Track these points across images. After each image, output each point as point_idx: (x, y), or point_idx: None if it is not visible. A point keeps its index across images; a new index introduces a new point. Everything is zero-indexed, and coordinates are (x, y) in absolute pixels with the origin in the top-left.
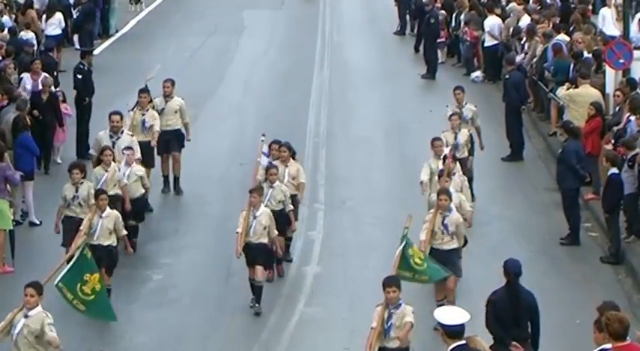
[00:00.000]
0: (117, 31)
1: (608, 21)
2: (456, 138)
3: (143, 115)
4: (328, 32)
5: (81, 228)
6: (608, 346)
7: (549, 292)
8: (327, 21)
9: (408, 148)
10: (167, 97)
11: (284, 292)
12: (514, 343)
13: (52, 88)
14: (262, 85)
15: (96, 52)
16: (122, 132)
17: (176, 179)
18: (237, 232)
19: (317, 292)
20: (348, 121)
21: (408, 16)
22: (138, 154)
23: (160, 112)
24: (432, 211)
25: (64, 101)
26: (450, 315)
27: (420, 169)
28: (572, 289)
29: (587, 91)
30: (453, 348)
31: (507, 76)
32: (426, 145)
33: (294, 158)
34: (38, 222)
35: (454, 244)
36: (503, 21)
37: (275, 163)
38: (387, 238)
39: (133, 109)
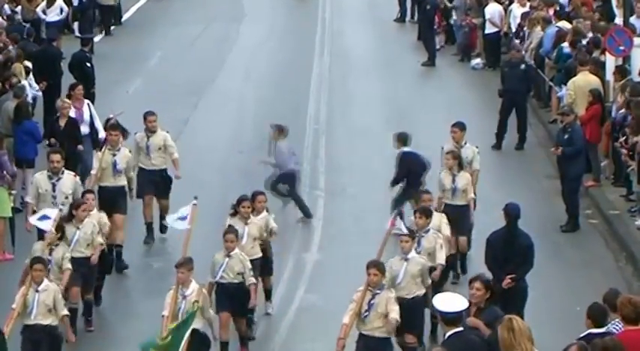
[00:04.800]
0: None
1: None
2: (453, 181)
3: (114, 155)
4: (328, 20)
5: (13, 306)
6: (595, 330)
7: (550, 278)
8: (327, 8)
9: None
10: (151, 132)
11: (284, 279)
12: (508, 277)
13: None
14: (262, 72)
15: (95, 39)
16: (63, 172)
17: (162, 214)
18: (162, 316)
19: (317, 279)
20: (348, 108)
21: (408, 3)
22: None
23: (144, 151)
24: (360, 288)
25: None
26: (447, 302)
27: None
28: (573, 276)
29: (587, 78)
30: (450, 335)
31: (523, 67)
32: (426, 133)
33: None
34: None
35: (384, 332)
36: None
37: (231, 221)
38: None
39: (101, 149)
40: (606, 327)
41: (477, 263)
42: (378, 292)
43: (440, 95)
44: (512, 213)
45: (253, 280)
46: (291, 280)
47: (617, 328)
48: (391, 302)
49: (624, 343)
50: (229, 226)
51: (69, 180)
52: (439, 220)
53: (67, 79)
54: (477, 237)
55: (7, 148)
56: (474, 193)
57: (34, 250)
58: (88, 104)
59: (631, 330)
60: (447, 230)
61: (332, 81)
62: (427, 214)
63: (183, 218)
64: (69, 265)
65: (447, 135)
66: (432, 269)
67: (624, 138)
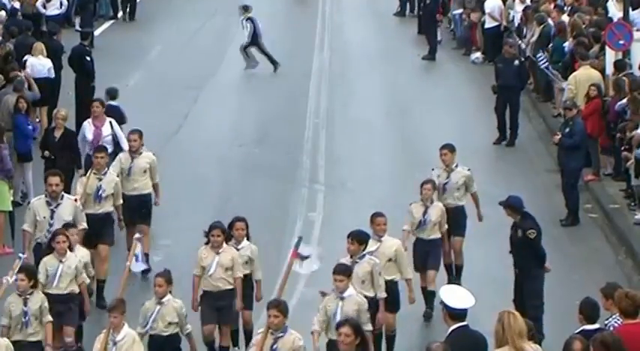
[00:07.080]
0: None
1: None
2: (425, 213)
3: (100, 180)
4: (328, 13)
5: None
6: (589, 327)
7: (549, 273)
8: (327, 2)
9: (409, 130)
10: (134, 152)
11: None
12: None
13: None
14: (262, 66)
15: (96, 33)
16: (62, 197)
17: (145, 255)
18: None
19: (317, 273)
20: (348, 102)
21: None
22: (84, 224)
23: (126, 173)
24: (261, 330)
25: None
26: (456, 297)
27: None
28: (573, 270)
29: (588, 73)
30: (455, 329)
31: (517, 62)
32: (425, 127)
33: (247, 238)
34: None
35: None
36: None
37: (202, 248)
38: (387, 219)
39: (86, 174)
40: (606, 321)
41: (475, 248)
42: (280, 335)
43: (440, 89)
44: (520, 206)
45: (189, 327)
46: (290, 274)
47: (618, 322)
48: (297, 347)
49: (624, 337)
50: (164, 270)
51: (69, 205)
52: (398, 254)
53: (67, 73)
54: (477, 234)
55: (8, 143)
56: (479, 218)
57: (6, 305)
58: (111, 122)
59: (630, 324)
60: (408, 274)
61: (332, 75)
62: (360, 240)
63: (136, 257)
64: (49, 317)
65: (446, 131)
66: (370, 300)
67: (623, 133)
